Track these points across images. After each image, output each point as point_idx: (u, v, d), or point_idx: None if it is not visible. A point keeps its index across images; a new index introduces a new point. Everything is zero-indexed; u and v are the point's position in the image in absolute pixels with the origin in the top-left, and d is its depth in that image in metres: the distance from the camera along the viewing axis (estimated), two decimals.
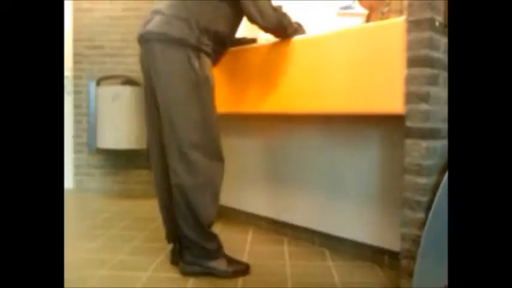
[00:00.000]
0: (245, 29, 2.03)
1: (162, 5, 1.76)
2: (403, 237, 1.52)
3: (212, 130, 1.76)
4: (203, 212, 1.73)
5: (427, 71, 1.44)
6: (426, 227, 1.43)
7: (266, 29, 1.89)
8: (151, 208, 2.80)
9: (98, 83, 3.31)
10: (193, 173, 1.70)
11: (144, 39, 1.75)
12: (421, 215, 1.47)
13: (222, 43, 1.86)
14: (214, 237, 1.80)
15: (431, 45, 1.45)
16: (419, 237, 1.45)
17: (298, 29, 1.95)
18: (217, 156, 1.78)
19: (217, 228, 1.83)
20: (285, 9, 1.91)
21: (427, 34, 1.44)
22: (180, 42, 1.67)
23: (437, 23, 1.46)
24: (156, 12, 1.76)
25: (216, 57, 1.87)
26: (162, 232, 1.95)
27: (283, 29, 1.89)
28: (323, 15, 2.64)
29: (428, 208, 1.46)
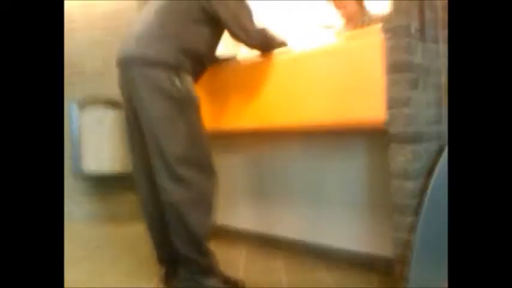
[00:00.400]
0: (225, 44, 2.04)
1: (138, 27, 1.76)
2: (396, 243, 1.52)
3: (200, 144, 1.75)
4: (197, 227, 1.70)
5: (407, 75, 1.47)
6: (417, 230, 1.44)
7: (251, 46, 1.92)
8: (140, 231, 2.75)
9: (81, 107, 3.27)
10: (184, 188, 1.68)
11: (123, 63, 1.74)
12: (411, 219, 1.47)
13: (201, 62, 1.87)
14: (209, 253, 1.78)
15: (410, 50, 1.47)
16: (411, 241, 1.46)
17: (281, 42, 1.97)
18: (208, 170, 1.77)
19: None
20: (267, 23, 1.94)
21: (404, 40, 1.47)
22: (158, 63, 1.67)
23: (413, 29, 1.49)
24: (133, 34, 1.75)
25: (195, 76, 1.87)
26: (152, 255, 1.92)
27: (268, 44, 1.91)
28: (306, 29, 2.67)
29: (417, 212, 1.46)
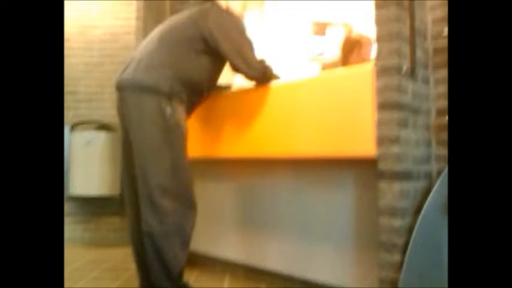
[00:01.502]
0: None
1: (138, 53, 1.79)
2: (381, 281, 1.51)
3: (183, 176, 1.74)
4: (173, 261, 1.68)
5: (397, 114, 1.49)
6: (403, 269, 1.43)
7: (251, 78, 1.95)
8: (124, 257, 2.70)
9: (72, 128, 3.26)
10: (162, 220, 1.67)
11: (120, 87, 1.76)
12: (397, 257, 1.46)
13: (199, 92, 1.89)
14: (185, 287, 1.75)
15: (400, 89, 1.50)
16: (397, 280, 1.44)
17: (277, 75, 2.00)
18: (188, 203, 1.76)
19: (192, 277, 1.77)
20: (265, 58, 1.97)
21: (395, 80, 1.50)
22: (152, 90, 1.69)
23: (404, 69, 1.52)
24: (133, 60, 1.78)
25: (191, 105, 1.88)
26: (135, 282, 1.87)
27: (266, 76, 1.95)
28: (295, 61, 2.72)
29: (404, 250, 1.45)
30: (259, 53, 1.94)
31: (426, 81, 1.67)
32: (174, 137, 1.72)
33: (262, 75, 1.93)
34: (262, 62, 1.91)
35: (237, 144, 2.05)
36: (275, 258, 2.17)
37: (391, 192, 1.49)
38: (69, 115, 3.34)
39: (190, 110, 1.88)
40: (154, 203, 1.67)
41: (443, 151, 1.63)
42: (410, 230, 1.47)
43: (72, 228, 3.31)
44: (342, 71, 1.75)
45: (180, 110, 1.77)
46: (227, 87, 2.26)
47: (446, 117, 1.59)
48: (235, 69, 1.89)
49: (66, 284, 2.22)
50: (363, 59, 2.39)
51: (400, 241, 1.47)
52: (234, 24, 1.86)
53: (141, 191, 1.69)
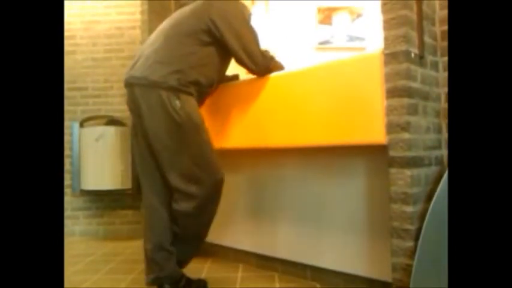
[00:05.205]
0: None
1: (146, 50, 1.82)
2: (394, 267, 1.51)
3: (205, 164, 1.80)
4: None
5: (406, 101, 1.48)
6: (417, 255, 1.43)
7: (255, 73, 1.96)
8: (138, 249, 2.73)
9: (82, 124, 3.29)
10: (188, 202, 1.79)
11: (129, 84, 1.79)
12: (410, 243, 1.47)
13: (208, 85, 1.89)
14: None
15: (409, 76, 1.49)
16: (410, 266, 1.45)
17: (280, 66, 2.00)
18: (212, 189, 1.84)
19: (205, 267, 1.80)
20: (269, 48, 1.97)
21: (404, 66, 1.49)
22: (159, 85, 1.71)
23: (412, 55, 1.51)
24: (140, 56, 1.81)
25: (201, 97, 1.90)
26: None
27: (269, 71, 1.95)
28: (301, 49, 2.71)
29: (417, 236, 1.46)
30: (264, 44, 1.93)
31: (435, 66, 1.66)
32: (187, 129, 1.74)
33: (265, 70, 1.94)
34: (265, 56, 1.91)
35: (246, 135, 2.06)
36: (287, 246, 2.19)
37: (402, 179, 1.49)
38: (78, 111, 3.38)
39: (199, 102, 1.90)
40: (179, 190, 1.78)
41: None
42: (422, 216, 1.47)
43: (86, 222, 3.37)
44: (349, 58, 1.73)
45: (191, 102, 1.78)
46: (234, 78, 2.26)
47: None
48: (239, 62, 1.90)
49: (83, 276, 2.26)
50: None
51: (412, 227, 1.47)
52: (238, 13, 1.85)
53: (167, 178, 1.80)
